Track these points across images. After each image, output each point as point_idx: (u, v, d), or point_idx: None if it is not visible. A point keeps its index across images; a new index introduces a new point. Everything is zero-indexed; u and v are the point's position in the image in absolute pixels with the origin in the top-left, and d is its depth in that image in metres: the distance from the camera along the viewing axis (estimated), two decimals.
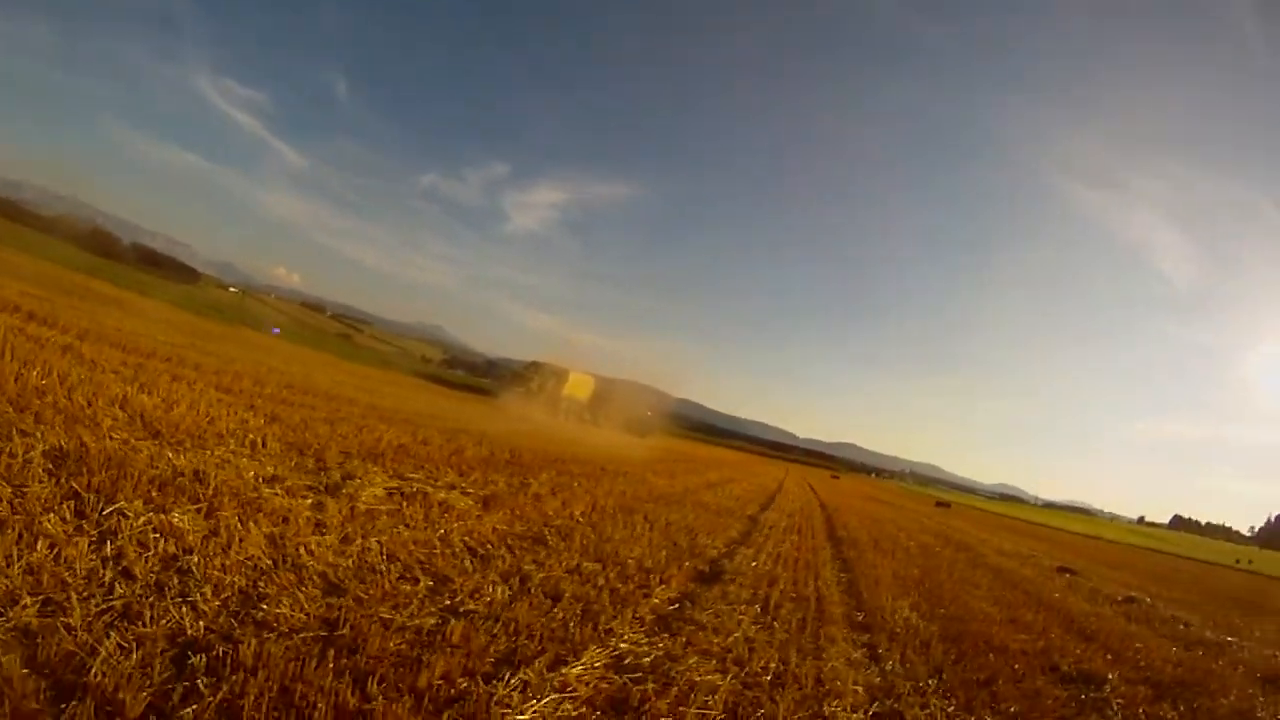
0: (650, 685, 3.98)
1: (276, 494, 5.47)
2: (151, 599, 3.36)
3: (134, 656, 2.87)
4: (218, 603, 3.56)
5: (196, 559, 3.93)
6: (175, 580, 3.64)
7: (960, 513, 55.56)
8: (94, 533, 3.85)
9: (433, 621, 4.06)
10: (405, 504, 6.50)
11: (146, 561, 3.73)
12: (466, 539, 6.07)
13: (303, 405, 12.10)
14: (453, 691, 3.33)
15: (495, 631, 4.14)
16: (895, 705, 4.78)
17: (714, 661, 4.69)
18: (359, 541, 5.09)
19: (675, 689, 4.04)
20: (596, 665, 4.07)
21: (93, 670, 2.69)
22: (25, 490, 4.07)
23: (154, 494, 4.62)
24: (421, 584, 4.67)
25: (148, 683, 2.72)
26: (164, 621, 3.20)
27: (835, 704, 4.50)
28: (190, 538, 4.15)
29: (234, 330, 46.54)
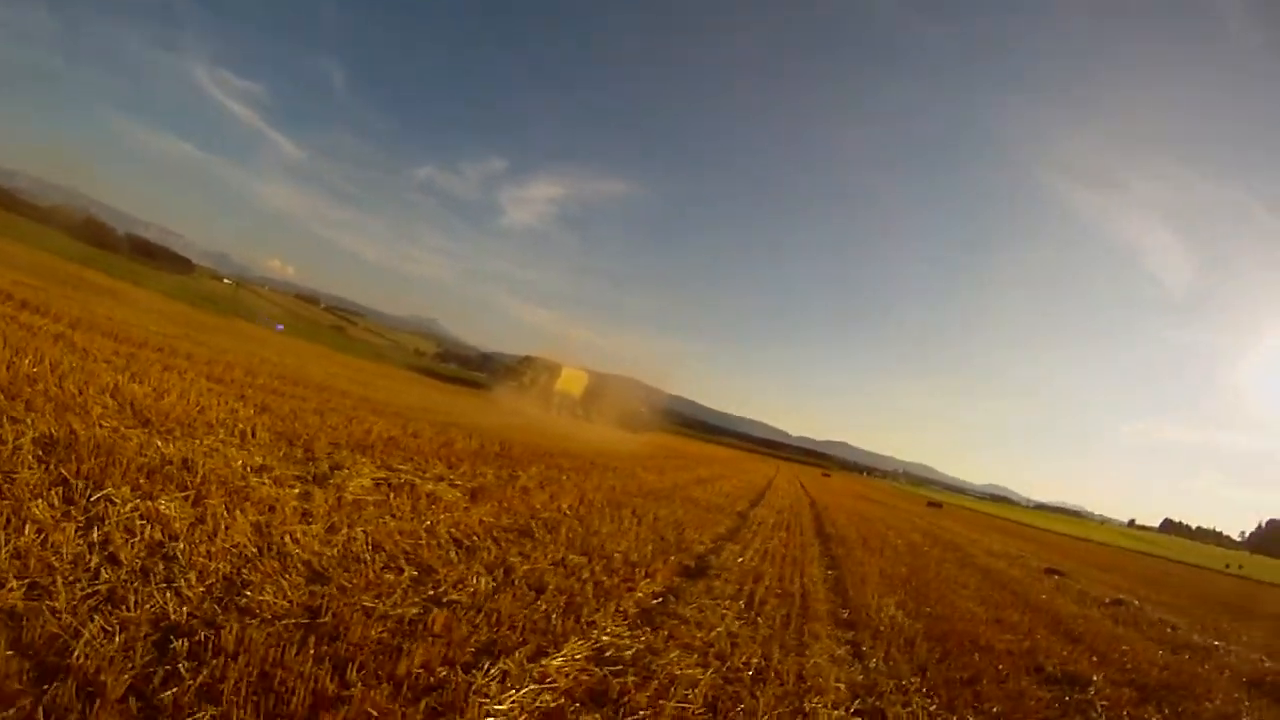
0: (631, 678, 4.03)
1: (264, 483, 5.51)
2: (136, 584, 3.41)
3: (117, 640, 2.91)
4: (202, 589, 3.60)
5: (182, 545, 3.97)
6: (160, 566, 3.68)
7: (950, 513, 55.78)
8: (81, 518, 3.89)
9: (415, 611, 4.11)
10: (392, 495, 6.53)
11: (132, 547, 3.77)
12: (453, 530, 6.11)
13: (294, 396, 12.12)
14: (431, 680, 3.37)
15: (477, 622, 4.19)
16: (877, 703, 4.83)
17: (696, 656, 4.74)
18: (345, 531, 5.12)
19: (656, 682, 4.09)
20: (578, 657, 4.12)
21: (76, 652, 2.74)
22: (15, 476, 4.11)
23: (142, 481, 4.66)
24: (406, 574, 4.71)
25: (129, 665, 2.76)
26: (148, 606, 3.25)
27: (816, 700, 4.55)
28: (177, 525, 4.19)
29: (228, 321, 46.44)
